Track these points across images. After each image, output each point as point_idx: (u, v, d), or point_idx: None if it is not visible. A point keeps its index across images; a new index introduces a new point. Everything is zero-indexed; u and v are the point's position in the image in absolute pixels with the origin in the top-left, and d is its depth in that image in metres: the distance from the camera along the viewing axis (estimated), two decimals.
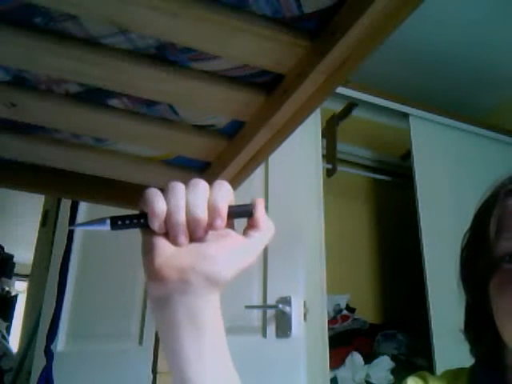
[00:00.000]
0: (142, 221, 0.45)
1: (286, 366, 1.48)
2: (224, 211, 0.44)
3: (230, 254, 0.44)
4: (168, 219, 0.43)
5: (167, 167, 1.15)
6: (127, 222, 0.45)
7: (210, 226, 0.44)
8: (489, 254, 0.59)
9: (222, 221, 0.44)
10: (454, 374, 0.67)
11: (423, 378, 0.66)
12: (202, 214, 0.43)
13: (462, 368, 0.66)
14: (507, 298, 0.56)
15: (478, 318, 0.62)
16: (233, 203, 0.47)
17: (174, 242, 0.44)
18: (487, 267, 0.59)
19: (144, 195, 0.44)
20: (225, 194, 0.45)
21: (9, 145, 1.05)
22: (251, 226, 0.47)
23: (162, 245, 0.44)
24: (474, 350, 0.65)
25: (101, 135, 1.03)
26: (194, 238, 0.44)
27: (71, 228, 0.44)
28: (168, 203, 0.43)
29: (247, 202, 0.48)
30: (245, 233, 0.47)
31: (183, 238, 0.44)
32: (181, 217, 0.43)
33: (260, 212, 0.47)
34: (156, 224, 0.43)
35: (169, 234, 0.44)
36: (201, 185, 0.45)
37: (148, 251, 0.44)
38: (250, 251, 0.46)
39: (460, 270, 0.66)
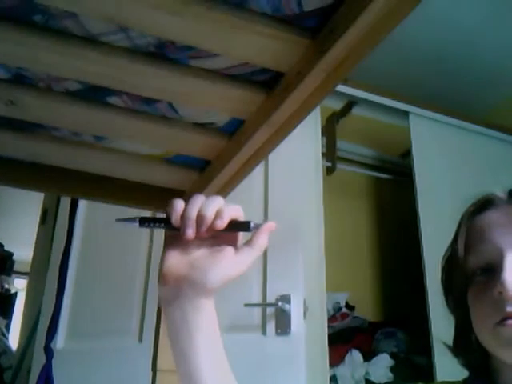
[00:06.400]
0: (164, 223, 0.55)
1: (285, 364, 1.48)
2: (226, 215, 0.52)
3: (218, 266, 0.53)
4: (182, 214, 0.52)
5: (167, 165, 1.15)
6: (152, 223, 0.57)
7: (213, 227, 0.51)
8: (462, 271, 0.64)
9: (221, 221, 0.52)
10: None
11: None
12: (209, 214, 0.51)
13: (455, 381, 0.69)
14: (481, 305, 0.61)
15: (464, 332, 0.66)
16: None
17: (184, 234, 0.52)
18: (463, 283, 0.65)
19: (170, 201, 0.54)
20: (233, 209, 0.53)
21: (8, 142, 1.05)
22: (248, 241, 0.54)
23: (171, 257, 0.54)
24: (465, 363, 0.68)
25: (100, 133, 1.03)
26: (198, 234, 0.52)
27: (117, 221, 0.56)
28: (186, 204, 0.53)
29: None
30: (240, 246, 0.54)
31: (191, 232, 0.52)
32: (192, 213, 0.52)
33: (261, 231, 0.54)
34: (173, 217, 0.52)
35: (180, 228, 0.52)
36: (218, 198, 0.53)
37: (161, 260, 0.54)
38: (238, 264, 0.54)
39: (443, 290, 0.71)
